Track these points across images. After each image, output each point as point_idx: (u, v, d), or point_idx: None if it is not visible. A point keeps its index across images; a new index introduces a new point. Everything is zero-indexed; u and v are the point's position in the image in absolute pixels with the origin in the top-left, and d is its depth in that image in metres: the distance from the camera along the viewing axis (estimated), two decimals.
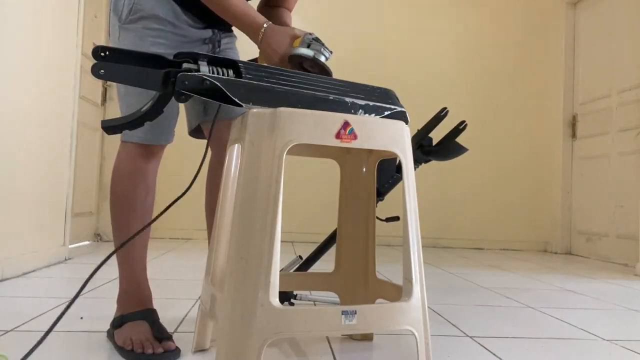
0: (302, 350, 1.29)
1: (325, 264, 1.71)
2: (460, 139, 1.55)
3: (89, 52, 3.02)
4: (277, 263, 0.93)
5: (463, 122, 1.57)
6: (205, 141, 1.21)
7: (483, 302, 2.00)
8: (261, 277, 0.92)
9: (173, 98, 0.97)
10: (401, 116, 1.11)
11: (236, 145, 1.18)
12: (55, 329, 1.40)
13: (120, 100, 1.31)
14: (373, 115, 1.07)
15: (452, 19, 4.44)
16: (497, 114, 4.43)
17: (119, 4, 1.27)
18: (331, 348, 1.32)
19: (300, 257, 1.73)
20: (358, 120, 1.01)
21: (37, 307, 1.62)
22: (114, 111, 3.62)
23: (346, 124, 1.00)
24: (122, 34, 1.27)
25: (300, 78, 1.05)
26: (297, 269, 1.70)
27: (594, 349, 1.42)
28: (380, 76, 3.76)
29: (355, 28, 4.32)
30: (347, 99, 1.05)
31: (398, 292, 1.13)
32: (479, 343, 1.43)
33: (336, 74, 1.18)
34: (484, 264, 3.28)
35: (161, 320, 1.28)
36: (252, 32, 1.20)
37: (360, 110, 1.06)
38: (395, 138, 1.06)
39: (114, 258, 1.13)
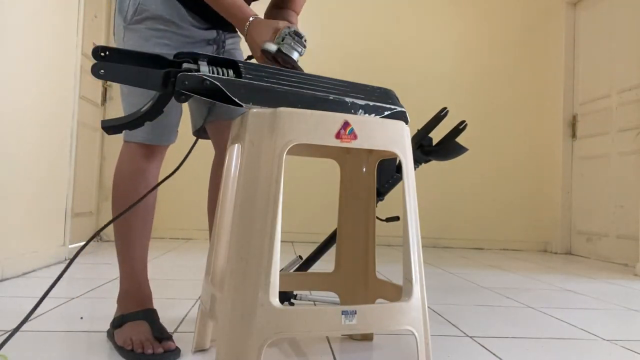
0: (302, 350, 1.29)
1: (325, 264, 1.71)
2: (460, 139, 1.55)
3: (89, 52, 3.04)
4: (277, 263, 0.93)
5: (463, 122, 1.57)
6: (197, 139, 1.21)
7: (483, 302, 2.00)
8: (261, 277, 0.92)
9: (173, 99, 0.97)
10: (401, 116, 1.11)
11: (236, 145, 1.18)
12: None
13: (123, 100, 1.31)
14: (373, 115, 1.07)
15: (452, 19, 4.44)
16: (497, 114, 4.43)
17: (124, 4, 1.27)
18: (331, 348, 1.32)
19: (300, 257, 1.73)
20: (358, 120, 1.01)
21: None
22: (114, 111, 3.62)
23: (346, 124, 1.00)
24: (127, 34, 1.27)
25: (300, 78, 1.05)
26: (297, 269, 1.70)
27: (594, 349, 1.42)
28: (380, 76, 3.76)
29: (355, 28, 4.32)
30: (347, 99, 1.05)
31: (398, 292, 1.13)
32: (479, 343, 1.43)
33: (336, 74, 1.18)
34: (484, 264, 3.28)
35: (161, 320, 1.28)
36: (240, 24, 1.19)
37: (360, 110, 1.06)
38: (395, 138, 1.06)
39: (114, 258, 1.13)
